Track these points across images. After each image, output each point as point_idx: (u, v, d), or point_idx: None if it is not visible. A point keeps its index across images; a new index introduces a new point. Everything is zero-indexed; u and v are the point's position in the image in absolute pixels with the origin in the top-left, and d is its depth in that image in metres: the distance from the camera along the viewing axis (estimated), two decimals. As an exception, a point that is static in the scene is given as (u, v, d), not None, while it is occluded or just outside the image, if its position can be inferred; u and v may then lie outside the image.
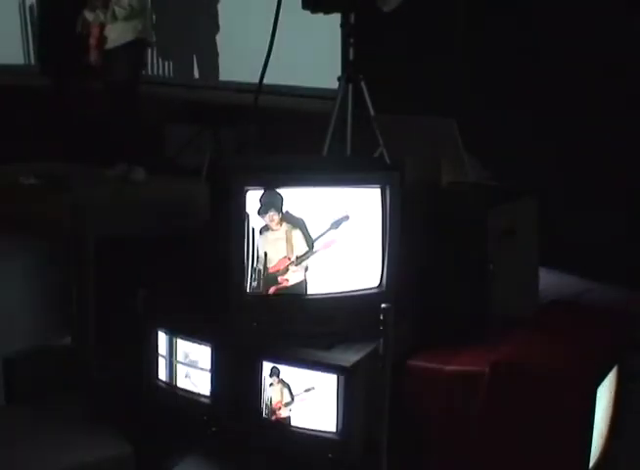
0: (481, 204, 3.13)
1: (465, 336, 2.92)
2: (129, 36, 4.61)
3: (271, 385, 2.82)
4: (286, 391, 2.81)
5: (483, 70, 4.53)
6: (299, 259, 2.88)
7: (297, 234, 2.87)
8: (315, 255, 2.89)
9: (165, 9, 6.56)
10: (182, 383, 3.05)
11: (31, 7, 7.48)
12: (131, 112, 4.65)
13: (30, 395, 3.62)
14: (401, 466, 2.82)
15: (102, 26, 4.63)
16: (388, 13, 4.29)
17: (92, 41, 4.61)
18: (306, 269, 2.90)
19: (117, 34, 4.62)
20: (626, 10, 4.10)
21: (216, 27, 6.40)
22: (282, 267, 2.89)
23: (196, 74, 6.61)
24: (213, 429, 2.97)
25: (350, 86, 4.44)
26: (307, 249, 2.88)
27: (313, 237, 2.88)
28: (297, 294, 2.92)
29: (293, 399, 2.81)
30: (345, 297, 2.96)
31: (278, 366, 2.81)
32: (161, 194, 4.42)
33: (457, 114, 3.28)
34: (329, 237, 2.89)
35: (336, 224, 2.88)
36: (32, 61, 7.62)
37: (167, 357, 3.05)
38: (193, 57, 6.57)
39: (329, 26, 5.25)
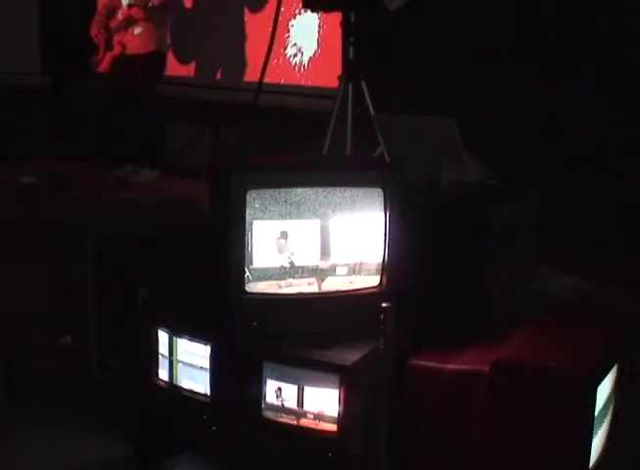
0: (481, 203, 3.13)
1: (465, 335, 2.92)
2: (152, 46, 4.71)
3: (271, 384, 2.82)
4: (285, 390, 2.81)
5: (484, 69, 4.53)
6: (299, 259, 2.89)
7: (296, 234, 2.88)
8: (316, 255, 2.89)
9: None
10: (182, 382, 3.05)
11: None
12: (144, 115, 4.70)
13: (30, 395, 3.62)
14: (401, 466, 2.82)
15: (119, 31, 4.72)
16: (389, 12, 4.28)
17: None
18: (307, 269, 2.90)
19: (141, 42, 4.71)
20: (625, 11, 4.11)
21: (217, 26, 6.39)
22: (281, 267, 2.89)
23: (197, 73, 6.60)
24: (213, 428, 2.97)
25: (351, 85, 4.44)
26: (308, 249, 2.88)
27: (314, 237, 2.89)
28: (297, 293, 2.92)
29: (292, 399, 2.81)
30: (345, 296, 2.96)
31: (278, 366, 2.82)
32: (162, 194, 4.41)
33: (457, 114, 3.27)
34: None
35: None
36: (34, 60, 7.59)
37: (167, 357, 3.06)
38: (193, 56, 6.56)
39: (329, 25, 5.26)
